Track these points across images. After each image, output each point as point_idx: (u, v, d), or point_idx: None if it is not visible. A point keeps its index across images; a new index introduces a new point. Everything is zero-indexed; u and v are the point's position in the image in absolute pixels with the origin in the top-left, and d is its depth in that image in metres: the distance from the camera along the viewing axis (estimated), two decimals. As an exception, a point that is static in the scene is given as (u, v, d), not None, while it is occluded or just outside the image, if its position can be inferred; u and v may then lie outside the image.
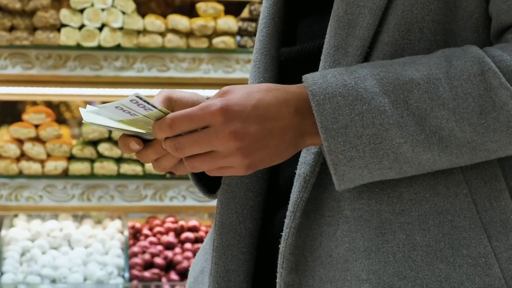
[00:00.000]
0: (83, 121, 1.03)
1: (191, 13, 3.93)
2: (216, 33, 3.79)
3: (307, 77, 1.00)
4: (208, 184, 1.20)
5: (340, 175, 1.00)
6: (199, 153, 0.99)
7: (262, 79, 1.19)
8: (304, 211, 1.06)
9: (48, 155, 3.72)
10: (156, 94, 1.08)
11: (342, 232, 1.04)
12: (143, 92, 3.82)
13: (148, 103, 0.97)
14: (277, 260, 1.07)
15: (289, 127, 0.99)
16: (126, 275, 3.52)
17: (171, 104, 1.07)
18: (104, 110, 0.98)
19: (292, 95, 1.00)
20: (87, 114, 1.01)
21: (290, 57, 1.18)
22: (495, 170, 1.04)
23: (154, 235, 3.79)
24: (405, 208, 1.03)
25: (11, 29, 3.72)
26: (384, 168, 0.99)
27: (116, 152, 3.73)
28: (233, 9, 3.95)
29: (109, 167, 3.71)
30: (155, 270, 3.57)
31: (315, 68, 1.08)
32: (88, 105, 1.02)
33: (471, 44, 1.03)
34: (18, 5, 3.68)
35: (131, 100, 0.96)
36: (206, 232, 3.77)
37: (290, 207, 1.06)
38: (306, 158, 1.06)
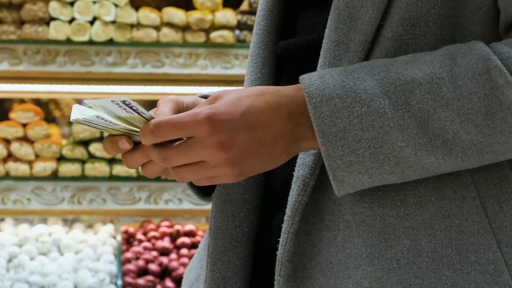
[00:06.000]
0: (71, 119, 1.03)
1: (188, 5, 3.93)
2: (214, 27, 3.79)
3: (304, 78, 1.00)
4: (203, 186, 1.20)
5: (339, 181, 1.00)
6: (187, 163, 1.00)
7: (260, 74, 1.19)
8: (303, 216, 1.06)
9: (37, 156, 3.73)
10: (162, 102, 1.05)
11: (343, 237, 1.04)
12: (137, 89, 3.84)
13: (137, 108, 0.97)
14: (275, 266, 1.07)
15: (282, 133, 0.99)
16: (119, 282, 3.52)
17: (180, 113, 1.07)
18: (99, 102, 0.98)
19: (286, 98, 1.00)
20: (77, 111, 1.01)
21: (287, 50, 1.18)
22: (505, 171, 1.04)
23: (149, 240, 3.79)
24: (410, 212, 1.03)
25: (-2, 22, 3.72)
26: (385, 173, 1.00)
27: (108, 152, 3.72)
28: (231, 2, 3.95)
29: (101, 169, 3.71)
30: (150, 277, 3.57)
31: (314, 62, 1.08)
32: (78, 105, 1.03)
33: (478, 39, 1.03)
34: (5, -3, 3.68)
35: (123, 101, 0.96)
36: (203, 237, 3.77)
37: (288, 211, 1.06)
38: (305, 160, 1.06)
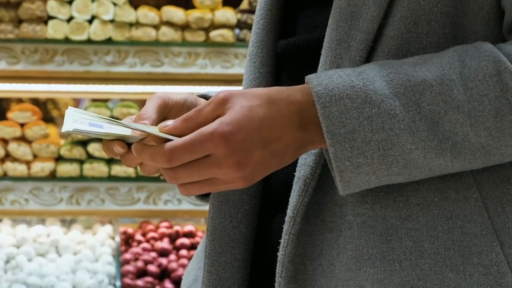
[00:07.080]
0: (62, 130, 1.02)
1: (187, 4, 3.92)
2: (214, 25, 3.79)
3: (311, 78, 0.99)
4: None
5: (345, 182, 0.99)
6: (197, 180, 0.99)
7: (258, 74, 1.19)
8: (304, 216, 1.06)
9: (35, 156, 3.72)
10: (148, 99, 1.06)
11: (345, 238, 1.04)
12: (136, 88, 3.84)
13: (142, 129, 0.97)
14: (274, 268, 1.07)
15: (292, 143, 0.98)
16: (118, 283, 3.52)
17: (166, 110, 1.07)
18: (89, 115, 0.98)
19: (296, 106, 0.98)
20: (69, 121, 1.01)
21: (287, 49, 1.17)
22: (507, 172, 1.04)
23: (148, 241, 3.79)
24: (412, 213, 1.03)
25: (-5, 21, 3.72)
26: (392, 174, 0.99)
27: (106, 152, 3.72)
28: (231, 1, 3.95)
29: (100, 169, 3.71)
30: (149, 279, 3.57)
31: (314, 61, 1.07)
32: (71, 109, 1.02)
33: (481, 39, 1.03)
34: (2, -4, 3.68)
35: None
36: (203, 238, 3.76)
37: (289, 212, 1.06)
38: (306, 160, 1.06)
